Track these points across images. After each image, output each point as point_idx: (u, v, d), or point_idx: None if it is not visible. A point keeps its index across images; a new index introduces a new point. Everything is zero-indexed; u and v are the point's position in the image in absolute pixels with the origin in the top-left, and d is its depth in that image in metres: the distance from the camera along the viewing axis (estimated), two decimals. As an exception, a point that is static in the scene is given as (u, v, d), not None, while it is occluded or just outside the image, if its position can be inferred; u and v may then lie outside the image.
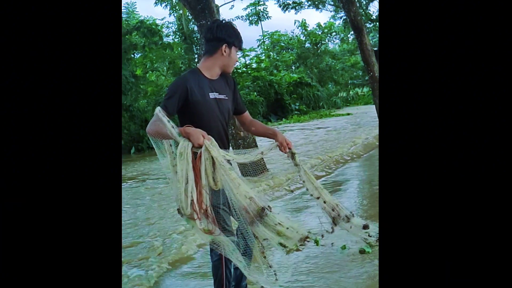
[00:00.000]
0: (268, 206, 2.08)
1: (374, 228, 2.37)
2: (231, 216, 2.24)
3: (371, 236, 2.37)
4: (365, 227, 2.35)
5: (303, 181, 2.38)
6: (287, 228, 2.09)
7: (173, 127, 2.06)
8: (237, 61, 2.39)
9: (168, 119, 2.09)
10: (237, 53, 2.36)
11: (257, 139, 7.09)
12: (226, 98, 2.33)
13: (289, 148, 2.33)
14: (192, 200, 1.99)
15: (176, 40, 20.57)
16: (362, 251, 2.83)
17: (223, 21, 2.35)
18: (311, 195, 2.37)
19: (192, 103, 2.20)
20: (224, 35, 2.25)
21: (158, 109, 2.11)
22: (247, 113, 2.50)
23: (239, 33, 2.32)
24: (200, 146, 2.01)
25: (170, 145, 2.12)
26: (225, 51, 2.26)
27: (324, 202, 2.35)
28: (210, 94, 2.25)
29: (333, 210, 2.34)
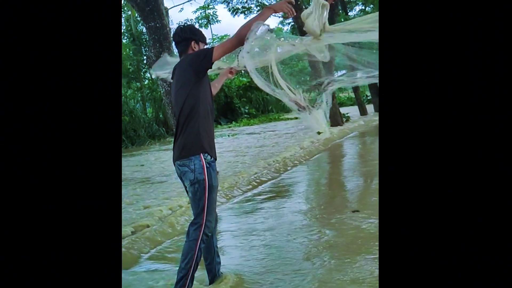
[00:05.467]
0: None
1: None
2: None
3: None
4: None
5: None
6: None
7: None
8: None
9: None
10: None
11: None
12: None
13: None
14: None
15: (124, 41, 20.05)
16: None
17: (185, 24, 2.81)
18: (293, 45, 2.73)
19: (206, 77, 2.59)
20: (190, 35, 2.65)
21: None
22: None
23: (200, 31, 2.75)
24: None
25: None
26: (194, 47, 2.64)
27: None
28: None
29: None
